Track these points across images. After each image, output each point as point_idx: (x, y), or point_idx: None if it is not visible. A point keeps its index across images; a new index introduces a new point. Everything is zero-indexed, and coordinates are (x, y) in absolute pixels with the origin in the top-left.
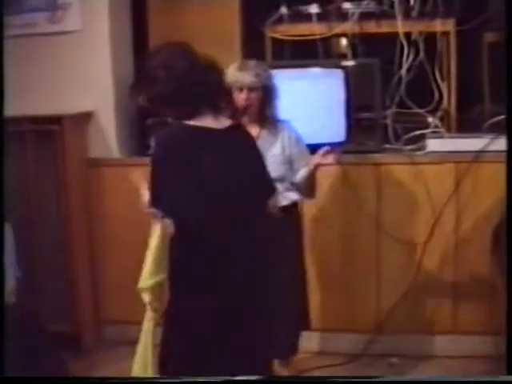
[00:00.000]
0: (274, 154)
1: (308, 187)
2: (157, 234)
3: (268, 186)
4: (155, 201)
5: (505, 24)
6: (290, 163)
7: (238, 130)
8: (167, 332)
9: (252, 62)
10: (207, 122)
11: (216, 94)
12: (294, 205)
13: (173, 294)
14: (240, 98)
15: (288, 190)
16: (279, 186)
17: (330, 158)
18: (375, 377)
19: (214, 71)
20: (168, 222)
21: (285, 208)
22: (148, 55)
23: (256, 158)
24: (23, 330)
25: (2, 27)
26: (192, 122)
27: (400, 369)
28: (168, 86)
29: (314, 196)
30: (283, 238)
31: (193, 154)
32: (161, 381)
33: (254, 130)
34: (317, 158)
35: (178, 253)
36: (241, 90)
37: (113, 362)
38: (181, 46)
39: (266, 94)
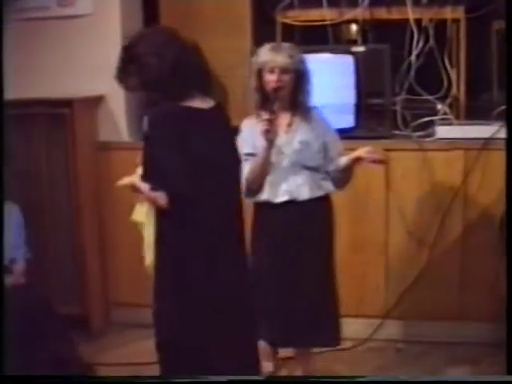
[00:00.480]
0: (308, 142)
1: (344, 178)
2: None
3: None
4: (148, 175)
5: (506, 16)
6: (324, 151)
7: (220, 109)
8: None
9: (285, 44)
10: (195, 102)
11: (202, 76)
12: (327, 195)
13: (160, 267)
14: (271, 79)
15: (323, 179)
16: (315, 176)
17: (374, 155)
18: (369, 377)
19: (198, 54)
20: (160, 194)
21: (318, 198)
22: (135, 40)
23: (233, 138)
24: (33, 311)
25: (2, 17)
26: (181, 103)
27: (406, 354)
28: (160, 72)
29: (345, 187)
30: (315, 230)
31: (183, 132)
32: (161, 381)
33: (286, 117)
34: (361, 152)
35: (167, 226)
36: (272, 71)
37: (121, 345)
38: (168, 31)
39: (299, 79)
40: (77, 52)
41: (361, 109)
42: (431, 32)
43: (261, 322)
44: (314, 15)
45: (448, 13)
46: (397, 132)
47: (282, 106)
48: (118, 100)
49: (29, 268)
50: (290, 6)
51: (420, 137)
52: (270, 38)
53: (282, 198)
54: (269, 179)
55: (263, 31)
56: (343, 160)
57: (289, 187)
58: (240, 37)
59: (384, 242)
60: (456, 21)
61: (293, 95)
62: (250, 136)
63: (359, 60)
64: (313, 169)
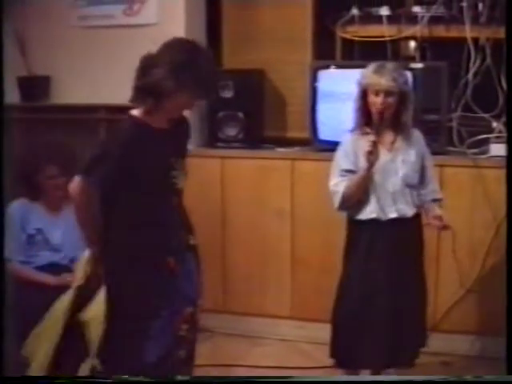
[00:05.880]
0: (410, 161)
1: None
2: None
3: None
4: None
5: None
6: (422, 171)
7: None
8: None
9: (389, 65)
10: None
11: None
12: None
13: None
14: (376, 101)
15: (418, 197)
16: (414, 193)
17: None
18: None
19: None
20: None
21: (417, 215)
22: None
23: None
24: None
25: (2, 17)
26: None
27: (451, 368)
28: None
29: None
30: (416, 246)
31: None
32: (163, 381)
33: (389, 136)
34: (434, 214)
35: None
36: (377, 93)
37: None
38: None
39: (403, 99)
40: None
41: (417, 124)
42: (488, 51)
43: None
44: (373, 31)
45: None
46: (452, 148)
47: (385, 125)
48: None
49: None
50: (351, 22)
51: (474, 154)
52: (330, 53)
53: (391, 215)
54: (376, 197)
55: (323, 45)
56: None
57: (396, 204)
58: (300, 50)
59: (435, 256)
60: None
61: (396, 115)
62: (351, 152)
63: (417, 76)
64: (413, 187)
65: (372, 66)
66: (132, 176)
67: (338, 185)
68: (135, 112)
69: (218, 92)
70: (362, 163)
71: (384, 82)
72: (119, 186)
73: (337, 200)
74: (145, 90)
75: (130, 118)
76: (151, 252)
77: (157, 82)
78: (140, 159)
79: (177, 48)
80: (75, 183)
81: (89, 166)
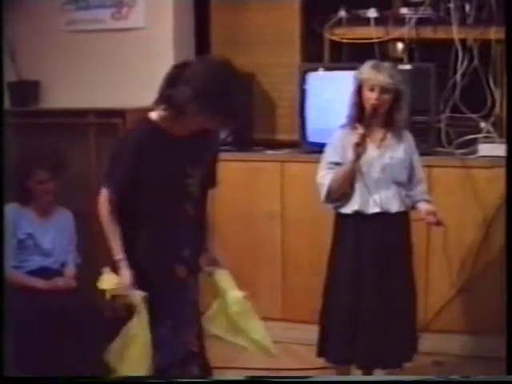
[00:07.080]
0: (398, 158)
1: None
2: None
3: None
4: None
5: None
6: (410, 169)
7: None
8: None
9: (386, 64)
10: None
11: None
12: (407, 211)
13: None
14: (371, 97)
15: (406, 196)
16: (401, 191)
17: (431, 218)
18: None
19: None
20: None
21: (403, 212)
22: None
23: None
24: (81, 314)
25: (2, 17)
26: None
27: (443, 368)
28: None
29: None
30: (401, 242)
31: None
32: (162, 381)
33: (380, 132)
34: (424, 210)
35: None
36: (372, 89)
37: None
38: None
39: (397, 97)
40: (130, 64)
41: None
42: (476, 52)
43: (349, 345)
44: (361, 33)
45: (492, 33)
46: (440, 149)
47: (377, 122)
48: None
49: (78, 272)
50: (338, 24)
51: (463, 154)
52: (318, 55)
53: (373, 209)
54: (360, 190)
55: (311, 48)
56: (422, 202)
57: (380, 199)
58: (289, 53)
59: (425, 257)
60: (500, 41)
61: (389, 113)
62: (340, 146)
63: (405, 78)
64: (400, 184)
65: (370, 62)
66: (144, 180)
67: (325, 177)
68: (154, 115)
69: (246, 118)
70: (350, 156)
71: (381, 77)
72: (133, 188)
73: (323, 192)
74: (167, 100)
75: (145, 122)
76: (159, 258)
77: (180, 101)
78: (151, 164)
79: (211, 72)
80: (101, 193)
81: (107, 168)
